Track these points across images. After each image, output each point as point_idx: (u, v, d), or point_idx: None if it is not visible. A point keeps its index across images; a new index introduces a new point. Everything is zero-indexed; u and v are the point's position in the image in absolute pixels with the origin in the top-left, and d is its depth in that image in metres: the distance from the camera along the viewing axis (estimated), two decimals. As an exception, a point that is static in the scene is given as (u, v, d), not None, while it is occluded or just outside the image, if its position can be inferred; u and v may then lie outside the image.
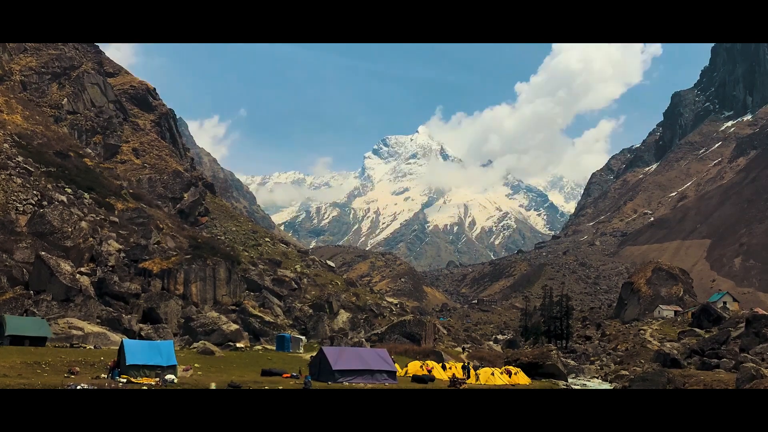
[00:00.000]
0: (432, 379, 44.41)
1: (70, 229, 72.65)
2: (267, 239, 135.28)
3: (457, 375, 46.69)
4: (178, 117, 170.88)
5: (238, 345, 63.21)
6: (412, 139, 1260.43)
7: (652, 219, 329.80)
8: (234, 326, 69.11)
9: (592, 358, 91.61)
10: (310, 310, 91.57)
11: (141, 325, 64.47)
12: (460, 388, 39.76)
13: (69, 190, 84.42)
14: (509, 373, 50.21)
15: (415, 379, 43.70)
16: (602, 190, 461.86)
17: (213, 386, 29.48)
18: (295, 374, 38.40)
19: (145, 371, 31.75)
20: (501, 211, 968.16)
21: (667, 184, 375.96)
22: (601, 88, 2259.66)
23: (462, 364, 53.38)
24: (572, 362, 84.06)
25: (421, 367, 48.37)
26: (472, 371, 48.90)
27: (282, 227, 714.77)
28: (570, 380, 62.15)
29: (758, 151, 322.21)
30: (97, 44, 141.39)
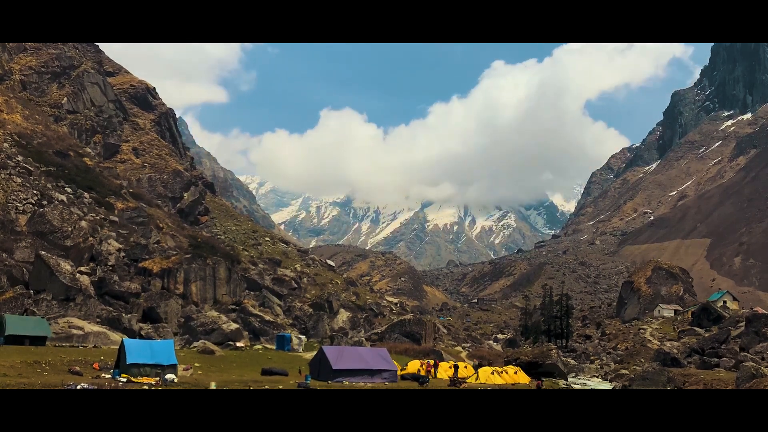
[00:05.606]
0: (426, 380, 43.15)
1: (70, 229, 72.64)
2: (267, 238, 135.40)
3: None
4: (178, 116, 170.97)
5: (238, 344, 63.21)
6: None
7: (652, 218, 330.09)
8: (234, 325, 69.13)
9: (592, 357, 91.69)
10: (310, 310, 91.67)
11: (141, 324, 64.48)
12: (460, 387, 39.78)
13: (69, 190, 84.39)
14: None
15: (410, 377, 42.97)
16: (602, 189, 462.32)
17: (213, 386, 29.48)
18: (301, 382, 34.42)
19: (146, 370, 31.77)
20: (501, 210, 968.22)
21: (667, 183, 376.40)
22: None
23: (453, 363, 53.09)
24: (572, 361, 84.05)
25: (422, 365, 48.19)
26: (462, 370, 48.76)
27: (282, 226, 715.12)
28: (570, 379, 62.24)
29: (758, 150, 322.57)
30: (96, 44, 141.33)
